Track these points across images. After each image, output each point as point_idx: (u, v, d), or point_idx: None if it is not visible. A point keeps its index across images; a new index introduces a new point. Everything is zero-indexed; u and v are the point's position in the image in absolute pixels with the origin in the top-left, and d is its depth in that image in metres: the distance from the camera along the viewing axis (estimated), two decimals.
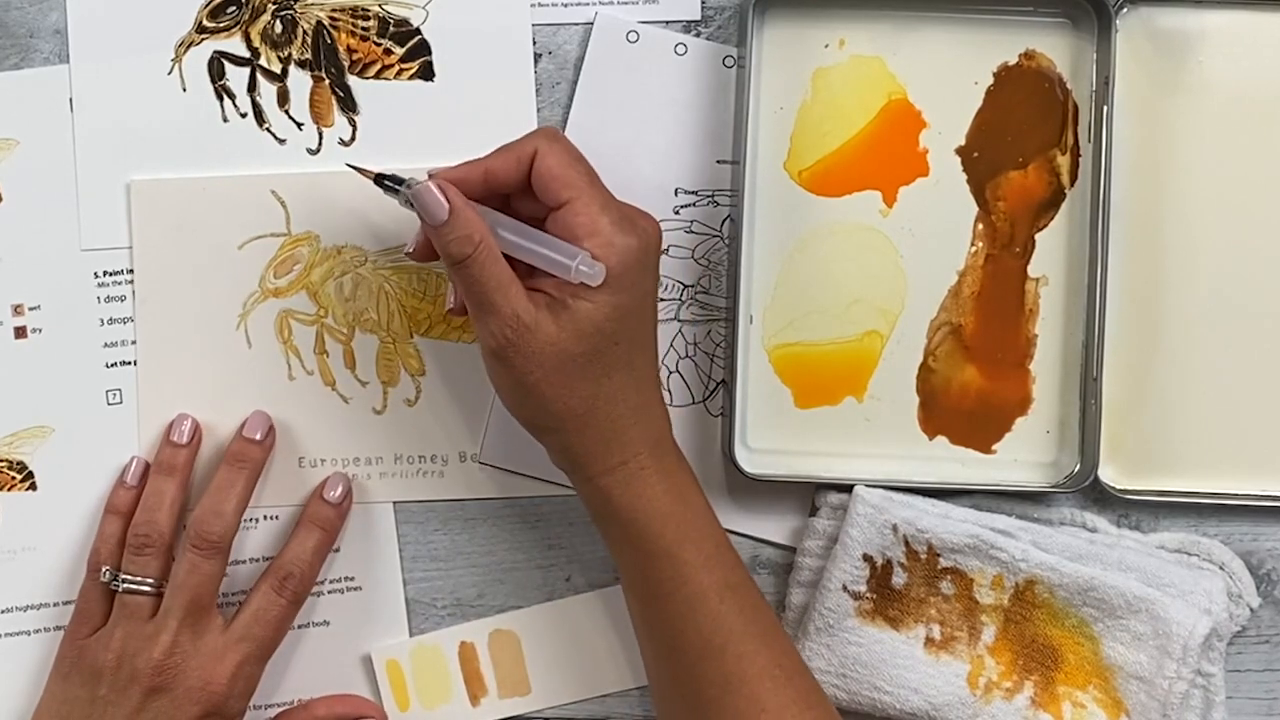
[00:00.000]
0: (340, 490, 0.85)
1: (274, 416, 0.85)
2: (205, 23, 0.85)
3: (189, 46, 0.85)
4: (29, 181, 0.85)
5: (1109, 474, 0.86)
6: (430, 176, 0.76)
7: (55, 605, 0.85)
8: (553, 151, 0.76)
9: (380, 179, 0.77)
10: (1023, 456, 0.86)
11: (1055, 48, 0.85)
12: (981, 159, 0.86)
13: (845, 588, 0.83)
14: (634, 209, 0.77)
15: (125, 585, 0.81)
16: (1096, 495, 0.86)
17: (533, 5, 0.85)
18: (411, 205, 0.75)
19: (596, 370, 0.75)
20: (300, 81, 0.85)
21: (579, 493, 0.79)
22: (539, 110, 0.86)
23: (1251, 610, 0.85)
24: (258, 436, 0.84)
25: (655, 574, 0.77)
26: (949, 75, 0.85)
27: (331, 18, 0.85)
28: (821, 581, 0.84)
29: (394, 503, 0.86)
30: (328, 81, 0.85)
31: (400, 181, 0.77)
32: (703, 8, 0.86)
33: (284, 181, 0.85)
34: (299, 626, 0.86)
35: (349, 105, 0.85)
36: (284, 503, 0.86)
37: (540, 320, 0.74)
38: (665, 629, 0.78)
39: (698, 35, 0.86)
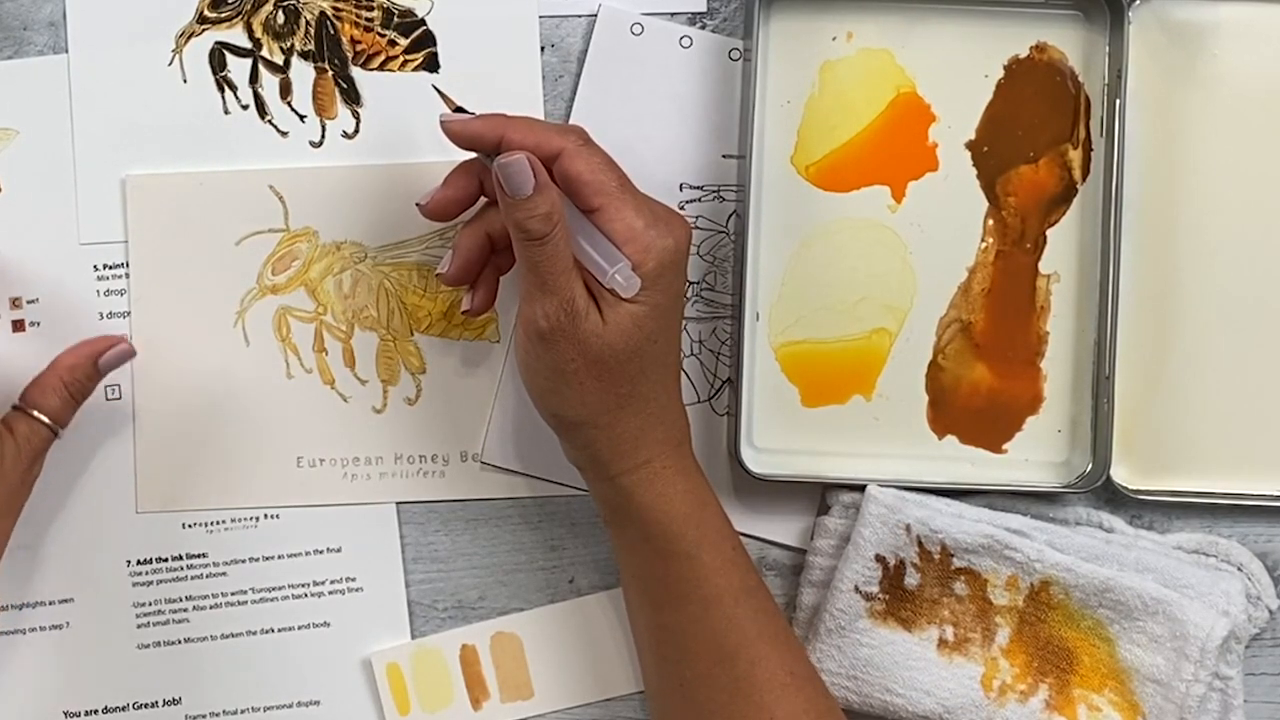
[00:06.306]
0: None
1: (272, 415, 0.84)
2: (206, 13, 0.84)
3: (190, 37, 0.84)
4: (28, 173, 0.84)
5: (1121, 474, 0.85)
6: (444, 121, 0.75)
7: (51, 604, 0.84)
8: (580, 156, 0.74)
9: (459, 113, 0.76)
10: (1034, 456, 0.86)
11: (1067, 40, 0.85)
12: (992, 153, 0.85)
13: (857, 588, 0.82)
14: (664, 208, 0.76)
15: None
16: (1109, 496, 0.85)
17: None
18: (490, 166, 0.74)
19: (634, 368, 0.75)
20: (303, 73, 0.84)
21: (594, 492, 0.78)
22: (544, 104, 0.85)
23: (1270, 612, 0.84)
24: None
25: (672, 576, 0.76)
26: (959, 68, 0.85)
27: (335, 8, 0.84)
28: (833, 582, 0.83)
29: (396, 503, 0.85)
30: (331, 73, 0.84)
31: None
32: (708, 0, 0.85)
33: (282, 176, 0.84)
34: (299, 627, 0.85)
35: (352, 97, 0.84)
36: (284, 503, 0.85)
37: (590, 310, 0.74)
38: (677, 633, 0.77)
39: (703, 28, 0.85)
